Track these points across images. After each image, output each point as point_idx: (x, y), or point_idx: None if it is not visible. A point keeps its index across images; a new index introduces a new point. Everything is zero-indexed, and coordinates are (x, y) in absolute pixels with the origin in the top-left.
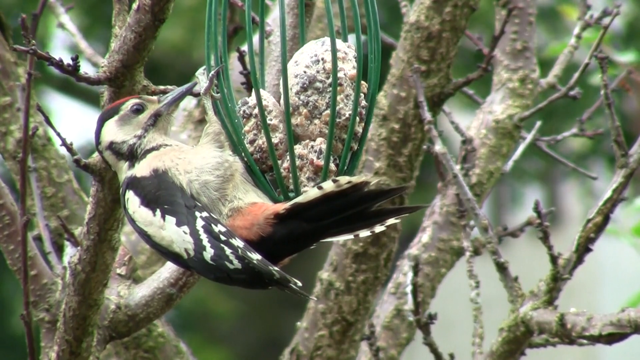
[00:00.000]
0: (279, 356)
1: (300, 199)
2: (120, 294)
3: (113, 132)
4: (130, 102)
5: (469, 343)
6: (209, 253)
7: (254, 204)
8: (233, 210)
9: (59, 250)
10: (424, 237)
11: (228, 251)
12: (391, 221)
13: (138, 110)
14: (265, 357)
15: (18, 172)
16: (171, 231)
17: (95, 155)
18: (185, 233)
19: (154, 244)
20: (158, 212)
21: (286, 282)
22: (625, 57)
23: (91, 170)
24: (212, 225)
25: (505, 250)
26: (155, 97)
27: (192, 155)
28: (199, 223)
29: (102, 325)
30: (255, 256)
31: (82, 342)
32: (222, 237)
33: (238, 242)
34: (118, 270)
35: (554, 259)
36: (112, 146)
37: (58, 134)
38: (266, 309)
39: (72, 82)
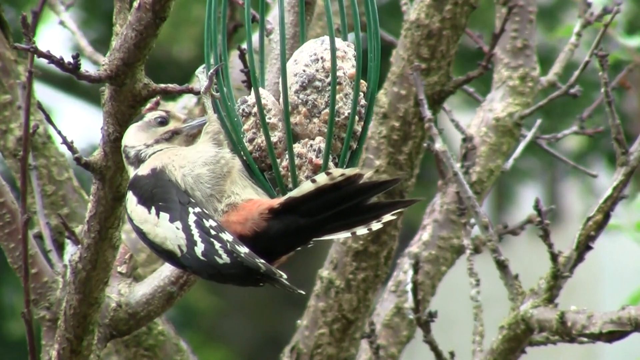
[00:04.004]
0: (279, 354)
1: (294, 193)
2: (120, 292)
3: (129, 136)
4: (157, 113)
5: (469, 341)
6: (199, 248)
7: (249, 200)
8: (229, 205)
9: (60, 248)
10: (424, 235)
11: (217, 245)
12: (387, 217)
13: (162, 122)
14: (266, 355)
15: (18, 170)
16: (165, 227)
17: (96, 153)
18: (178, 229)
19: (149, 242)
20: (153, 209)
21: (272, 275)
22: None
23: (92, 169)
24: (204, 220)
25: (506, 248)
26: (182, 116)
27: (187, 151)
28: (192, 218)
29: (103, 323)
30: (243, 249)
31: (82, 341)
32: (212, 232)
33: (227, 236)
34: (119, 269)
35: (554, 257)
36: (124, 149)
37: (59, 132)
38: (266, 307)
39: (73, 80)
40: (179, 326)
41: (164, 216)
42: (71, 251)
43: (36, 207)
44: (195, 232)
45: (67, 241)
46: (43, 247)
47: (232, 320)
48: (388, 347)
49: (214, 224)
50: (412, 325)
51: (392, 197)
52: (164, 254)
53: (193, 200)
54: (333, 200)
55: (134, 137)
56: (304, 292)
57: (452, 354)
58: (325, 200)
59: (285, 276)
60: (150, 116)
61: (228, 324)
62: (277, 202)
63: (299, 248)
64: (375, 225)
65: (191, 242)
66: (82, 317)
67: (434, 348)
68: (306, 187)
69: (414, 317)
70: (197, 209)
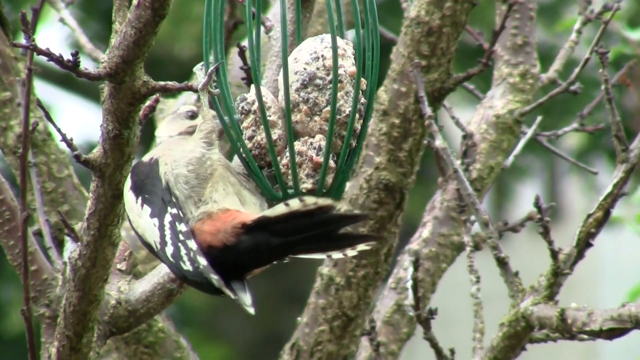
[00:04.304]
0: (280, 351)
1: (267, 213)
2: (120, 290)
3: (161, 128)
4: (188, 107)
5: (469, 338)
6: (169, 249)
7: (226, 211)
8: (204, 213)
9: (59, 245)
10: (425, 232)
11: (183, 251)
12: (362, 247)
13: (191, 117)
14: (266, 352)
15: (18, 167)
16: (145, 221)
17: (96, 150)
18: (155, 226)
19: (134, 230)
20: (139, 199)
21: (224, 293)
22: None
23: (91, 166)
24: (177, 223)
25: (506, 246)
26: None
27: (177, 147)
28: (167, 219)
29: (103, 320)
30: (203, 262)
31: (82, 338)
32: (181, 237)
33: (192, 245)
34: (118, 266)
35: (554, 254)
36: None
37: (58, 130)
38: (266, 305)
39: (71, 77)
40: (179, 323)
41: (147, 209)
42: (71, 248)
43: (36, 204)
44: (167, 232)
45: (67, 238)
46: (42, 244)
47: (232, 318)
48: (388, 344)
49: (184, 229)
50: (412, 323)
51: (392, 195)
52: (146, 244)
53: (174, 200)
54: (304, 225)
55: (164, 128)
56: (253, 313)
57: (452, 351)
58: (297, 224)
59: (234, 297)
60: (183, 109)
61: (228, 321)
62: (250, 218)
63: (274, 262)
64: (350, 252)
65: (163, 242)
66: (82, 314)
67: (434, 345)
68: (280, 209)
69: (414, 314)
70: (174, 210)
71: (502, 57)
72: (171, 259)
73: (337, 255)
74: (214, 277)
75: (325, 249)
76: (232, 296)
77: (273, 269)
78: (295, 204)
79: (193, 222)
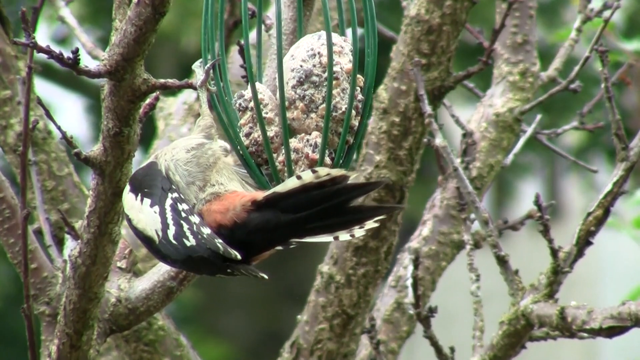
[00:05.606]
0: (280, 349)
1: (278, 188)
2: (120, 287)
3: None
4: None
5: (469, 336)
6: (171, 231)
7: (233, 192)
8: (212, 195)
9: (60, 243)
10: (425, 230)
11: (185, 227)
12: (370, 225)
13: None
14: (266, 350)
15: (18, 166)
16: (146, 213)
17: (96, 148)
18: (156, 213)
19: (133, 229)
20: (139, 195)
21: (229, 257)
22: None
23: (91, 164)
24: (178, 204)
25: (506, 244)
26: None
27: (177, 141)
28: (168, 202)
29: (103, 318)
30: (206, 231)
31: (82, 336)
32: (183, 214)
33: (195, 219)
34: (118, 264)
35: (554, 253)
36: None
37: (58, 128)
38: (267, 303)
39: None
40: (179, 321)
41: (147, 202)
42: (71, 246)
43: (36, 203)
44: (169, 215)
45: (67, 236)
46: (43, 242)
47: (233, 316)
48: (388, 342)
49: (186, 207)
50: (412, 321)
51: (392, 193)
52: (146, 241)
53: (174, 187)
54: (316, 198)
55: None
56: (266, 277)
57: (452, 349)
58: (309, 197)
59: (240, 258)
60: None
61: (228, 319)
62: (261, 195)
63: (280, 247)
64: (358, 232)
65: (165, 225)
66: (82, 312)
67: (434, 343)
68: (291, 183)
69: (414, 312)
70: (175, 195)
71: (502, 56)
72: (174, 242)
73: (344, 236)
74: (218, 242)
75: (334, 228)
76: (238, 257)
77: (273, 267)
78: (307, 176)
79: (201, 204)
